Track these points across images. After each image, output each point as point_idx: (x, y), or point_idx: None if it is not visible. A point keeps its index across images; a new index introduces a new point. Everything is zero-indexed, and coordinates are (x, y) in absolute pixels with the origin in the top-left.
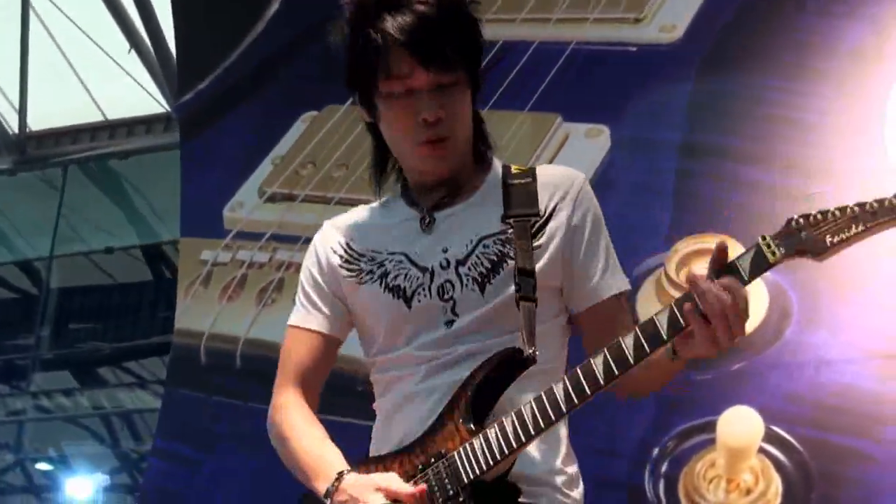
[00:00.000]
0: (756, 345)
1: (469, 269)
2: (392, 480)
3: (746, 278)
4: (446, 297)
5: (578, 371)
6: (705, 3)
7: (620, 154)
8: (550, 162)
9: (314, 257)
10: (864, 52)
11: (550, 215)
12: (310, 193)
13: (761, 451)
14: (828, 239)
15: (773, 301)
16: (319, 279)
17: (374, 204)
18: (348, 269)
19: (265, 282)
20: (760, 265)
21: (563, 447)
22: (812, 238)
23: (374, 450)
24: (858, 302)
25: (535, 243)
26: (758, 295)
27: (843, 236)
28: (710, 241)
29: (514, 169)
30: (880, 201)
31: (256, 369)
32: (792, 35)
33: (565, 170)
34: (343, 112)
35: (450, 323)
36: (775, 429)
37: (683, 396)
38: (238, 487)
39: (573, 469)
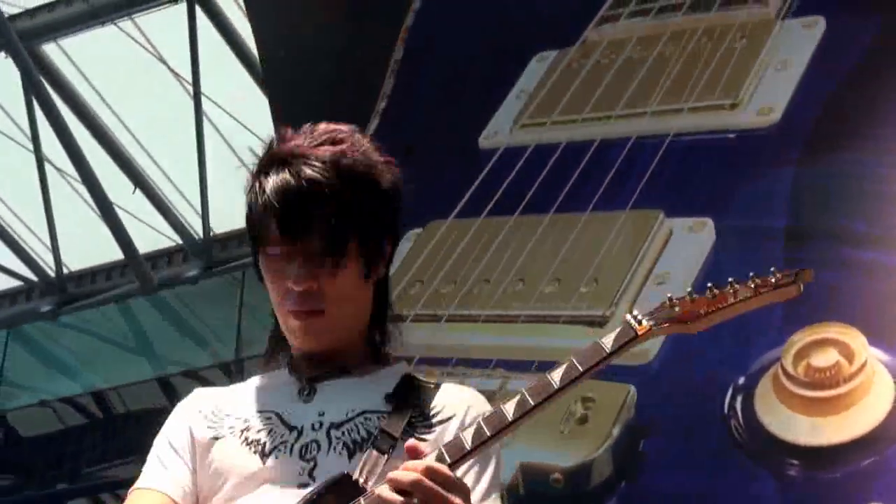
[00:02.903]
0: (883, 439)
1: (343, 433)
2: None
3: (608, 350)
4: (308, 456)
5: None
6: (803, 81)
7: (726, 246)
8: (656, 260)
9: (173, 421)
10: None
11: (447, 420)
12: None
13: None
14: (701, 309)
15: None
16: (175, 444)
17: (258, 375)
18: (209, 427)
19: None
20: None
21: None
22: (684, 309)
23: None
24: None
25: (419, 435)
26: (882, 386)
27: (718, 306)
28: (828, 331)
29: (419, 375)
30: (763, 277)
31: None
32: None
33: (473, 392)
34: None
35: (304, 487)
36: None
37: (810, 498)
38: None
39: None
